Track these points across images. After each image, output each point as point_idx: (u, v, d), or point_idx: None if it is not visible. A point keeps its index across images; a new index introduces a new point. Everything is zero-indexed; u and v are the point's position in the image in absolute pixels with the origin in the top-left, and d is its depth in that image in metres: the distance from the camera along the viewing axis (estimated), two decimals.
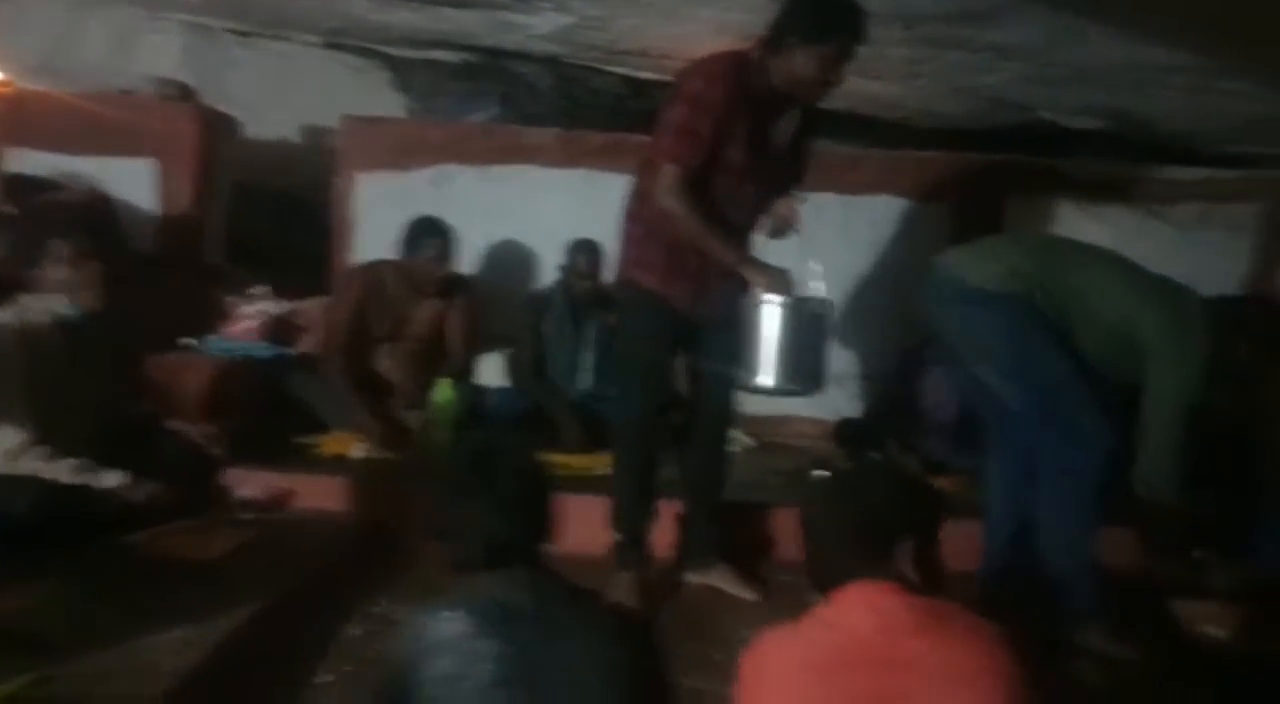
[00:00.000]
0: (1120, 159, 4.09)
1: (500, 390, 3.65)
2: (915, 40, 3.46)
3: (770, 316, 2.25)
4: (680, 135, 2.36)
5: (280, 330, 3.83)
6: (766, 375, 2.27)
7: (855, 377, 4.06)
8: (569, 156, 3.99)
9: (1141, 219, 3.91)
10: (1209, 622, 2.58)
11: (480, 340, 3.68)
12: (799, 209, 2.49)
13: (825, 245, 3.98)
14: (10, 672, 1.67)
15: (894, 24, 3.29)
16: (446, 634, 1.20)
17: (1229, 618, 2.59)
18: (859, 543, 1.36)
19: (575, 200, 3.88)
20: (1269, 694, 2.22)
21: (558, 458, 3.35)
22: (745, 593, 2.63)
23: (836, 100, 4.26)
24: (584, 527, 2.71)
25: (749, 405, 3.35)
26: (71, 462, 2.36)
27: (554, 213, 3.90)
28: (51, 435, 2.35)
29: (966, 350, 2.62)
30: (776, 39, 2.34)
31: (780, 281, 2.29)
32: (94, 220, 3.55)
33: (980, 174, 4.08)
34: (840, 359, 4.06)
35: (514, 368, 3.71)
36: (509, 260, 3.99)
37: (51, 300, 2.41)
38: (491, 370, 3.80)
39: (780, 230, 2.52)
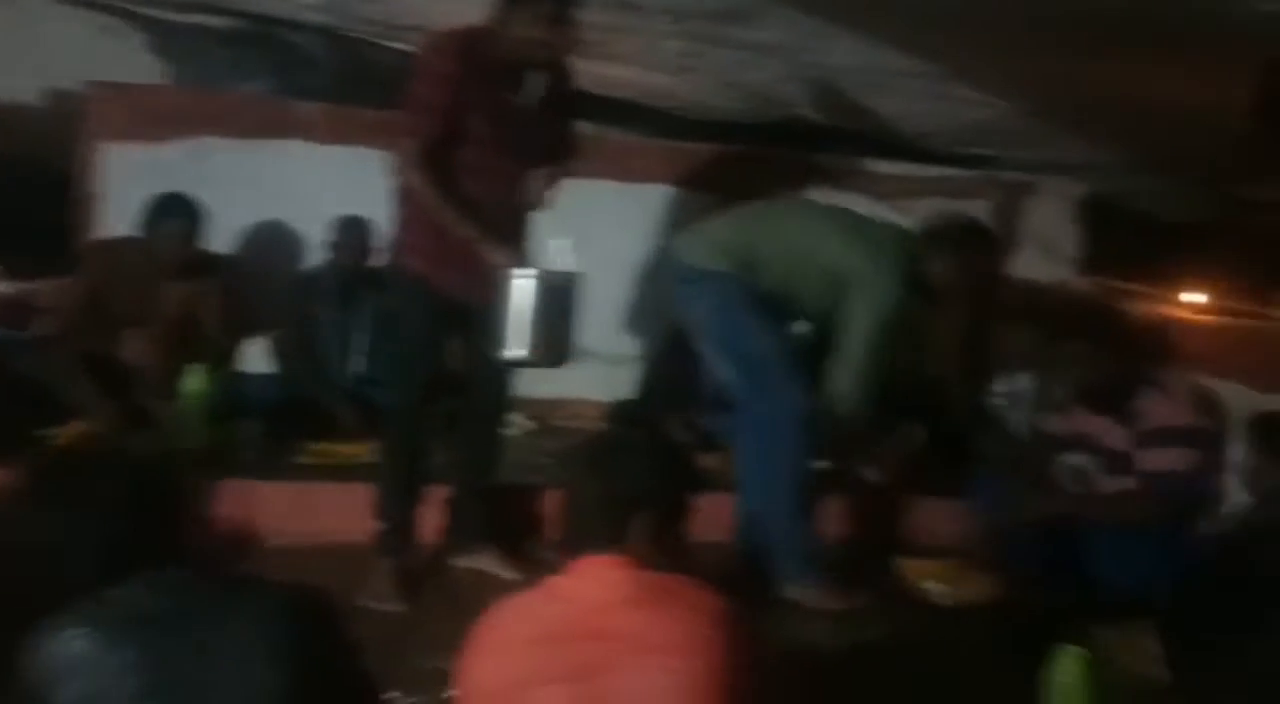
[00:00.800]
0: (870, 156, 4.41)
1: (261, 377, 3.49)
2: (685, 35, 3.58)
3: (517, 290, 2.29)
4: (415, 110, 2.38)
5: (13, 312, 3.50)
6: (514, 348, 2.32)
7: (634, 358, 4.17)
8: (338, 133, 3.86)
9: (887, 213, 4.23)
10: (929, 577, 2.85)
11: (242, 325, 3.50)
12: (550, 183, 2.54)
13: (603, 231, 4.14)
14: None
15: (663, 17, 3.40)
16: (74, 654, 1.08)
17: (949, 572, 2.88)
18: (599, 514, 1.40)
19: (344, 178, 3.74)
20: (982, 644, 2.48)
21: (325, 446, 3.26)
22: (510, 573, 2.66)
23: (618, 89, 4.42)
24: (347, 515, 2.68)
25: (527, 388, 3.40)
26: None
27: (321, 191, 3.74)
28: None
29: (689, 327, 2.81)
30: (498, 3, 2.38)
31: (512, 257, 2.33)
32: None
33: (746, 166, 4.29)
34: (619, 341, 4.18)
35: (279, 353, 3.56)
36: (273, 240, 3.81)
37: None
38: (257, 356, 3.62)
39: (532, 204, 2.57)
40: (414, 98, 2.40)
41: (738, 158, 4.31)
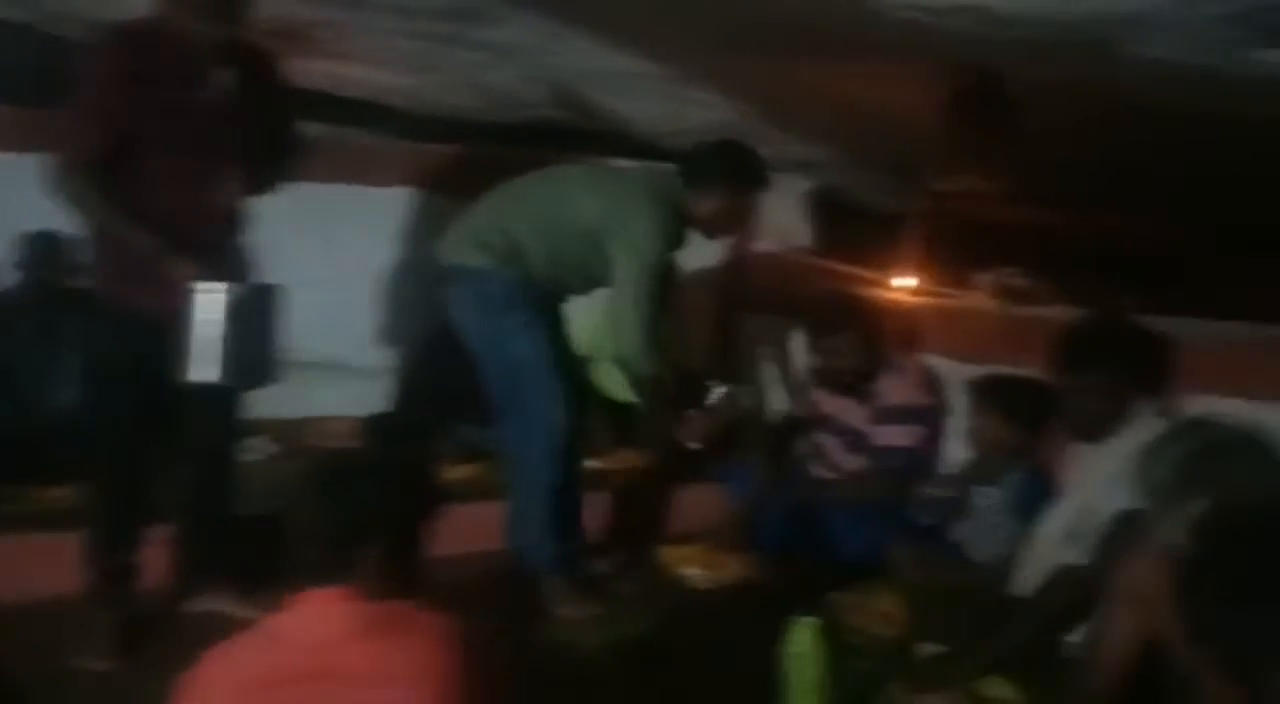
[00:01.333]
0: (614, 156, 4.49)
1: None
2: (419, 34, 3.48)
3: (202, 306, 2.11)
4: (74, 114, 2.16)
5: None
6: (201, 369, 2.12)
7: (387, 370, 4.02)
8: (24, 139, 3.41)
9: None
10: (687, 562, 2.94)
11: None
12: (257, 186, 2.35)
13: (345, 238, 3.96)
14: None
15: (392, 15, 3.28)
16: None
17: (705, 557, 2.98)
18: (324, 544, 1.31)
19: (32, 189, 3.31)
20: (736, 624, 2.58)
21: (34, 491, 2.90)
22: (251, 613, 2.47)
23: (355, 89, 4.23)
24: (61, 567, 2.38)
25: (272, 408, 3.17)
26: None
27: (4, 204, 3.30)
28: None
29: (459, 330, 2.68)
30: None
31: (197, 269, 2.13)
32: None
33: (493, 168, 4.23)
34: (371, 353, 4.01)
35: None
36: None
37: None
38: None
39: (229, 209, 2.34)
40: (75, 101, 2.16)
41: (482, 160, 4.25)
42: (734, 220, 2.75)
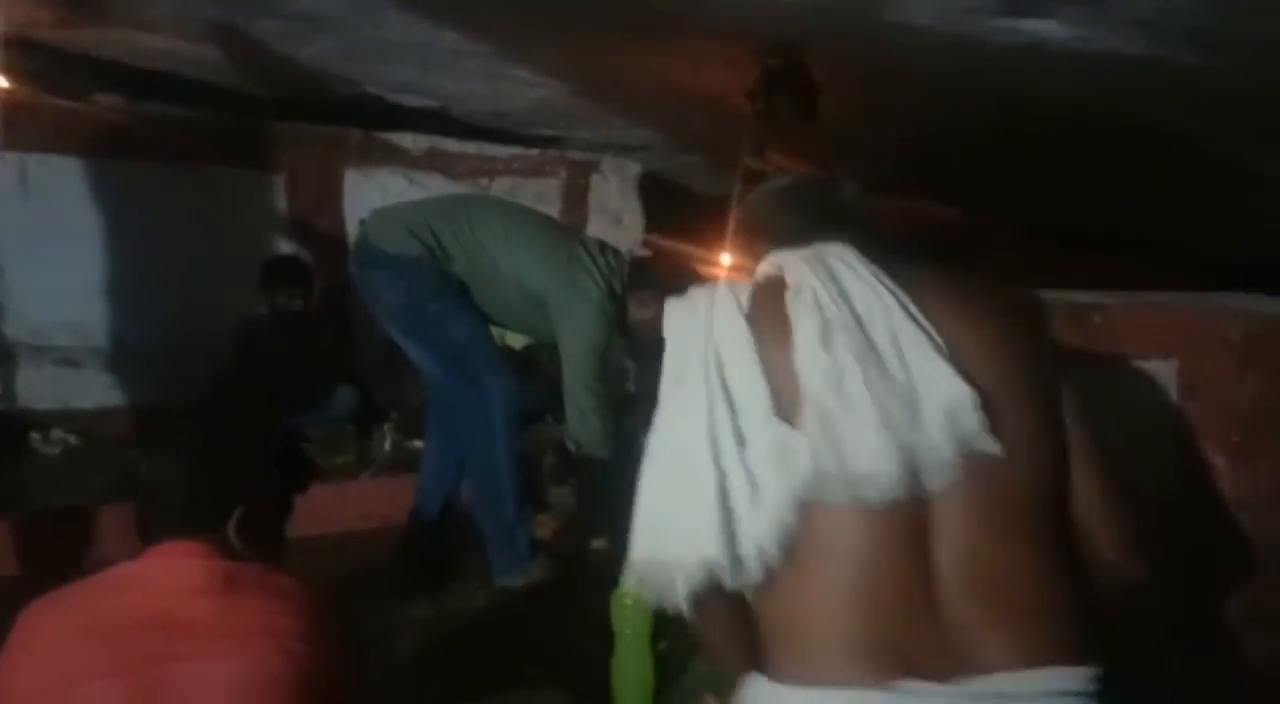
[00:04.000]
0: (448, 135, 4.45)
1: None
2: (226, 3, 3.33)
3: None
4: None
5: None
6: None
7: (191, 353, 3.80)
8: None
9: (466, 191, 4.29)
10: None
11: None
12: None
13: (151, 216, 3.75)
14: None
15: None
16: None
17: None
18: (190, 503, 1.28)
19: None
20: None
21: None
22: None
23: (156, 61, 3.99)
24: None
25: (74, 397, 2.98)
26: None
27: None
28: None
29: (375, 312, 2.67)
30: None
31: None
32: None
33: (314, 145, 4.12)
34: (168, 336, 3.78)
35: None
36: None
37: None
38: None
39: None
40: None
41: (302, 136, 4.13)
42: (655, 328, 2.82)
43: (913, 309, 1.00)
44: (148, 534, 1.28)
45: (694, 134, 4.29)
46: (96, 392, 3.62)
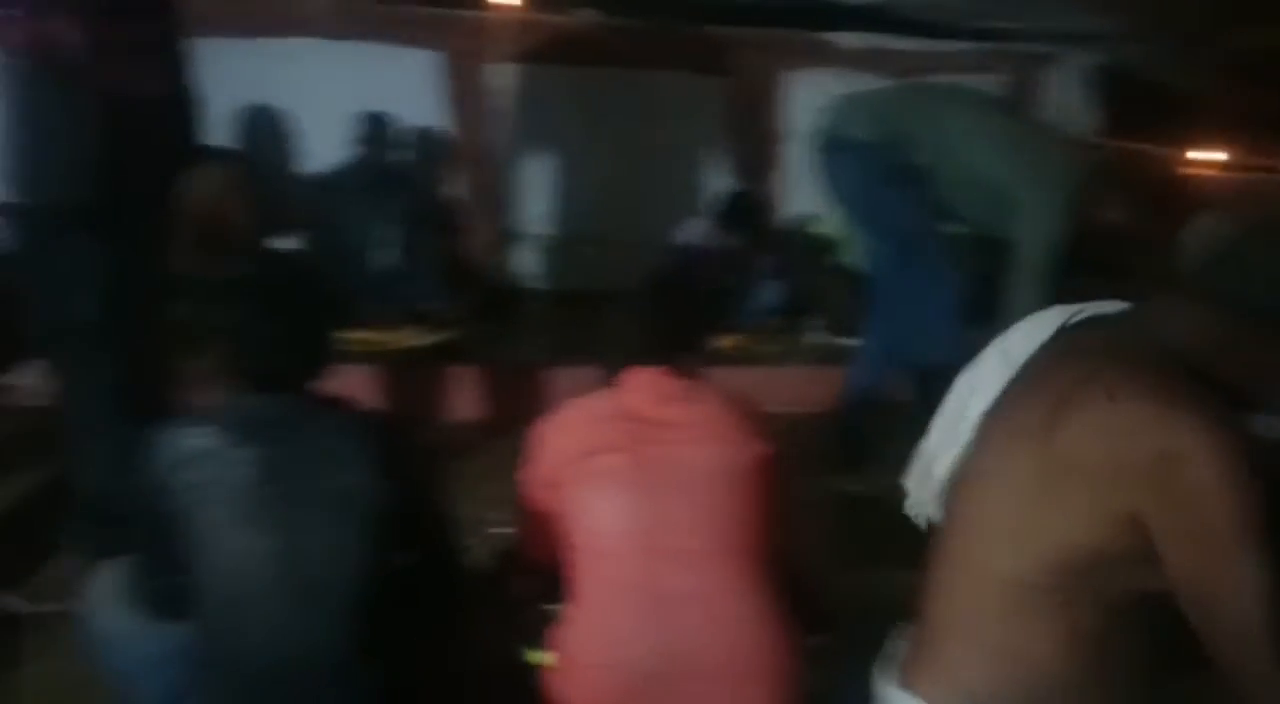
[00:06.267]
0: (883, 33, 4.38)
1: None
2: None
3: None
4: None
5: None
6: None
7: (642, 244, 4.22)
8: (350, 29, 3.88)
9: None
10: None
11: (265, 221, 3.60)
12: None
13: (611, 119, 4.19)
14: None
15: None
16: (196, 448, 1.30)
17: None
18: (655, 332, 1.58)
19: (361, 75, 3.80)
20: None
21: (358, 334, 3.40)
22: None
23: None
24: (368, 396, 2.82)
25: (551, 279, 3.42)
26: None
27: (340, 88, 3.79)
28: None
29: (834, 197, 2.74)
30: None
31: None
32: None
33: (754, 49, 4.29)
34: (626, 227, 4.22)
35: (311, 248, 3.67)
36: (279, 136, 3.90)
37: None
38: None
39: None
40: None
41: (743, 41, 4.31)
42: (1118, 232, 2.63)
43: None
44: (621, 363, 1.57)
45: (1162, 17, 3.77)
46: (570, 274, 4.22)
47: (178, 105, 2.13)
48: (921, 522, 1.23)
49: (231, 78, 3.63)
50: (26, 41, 1.84)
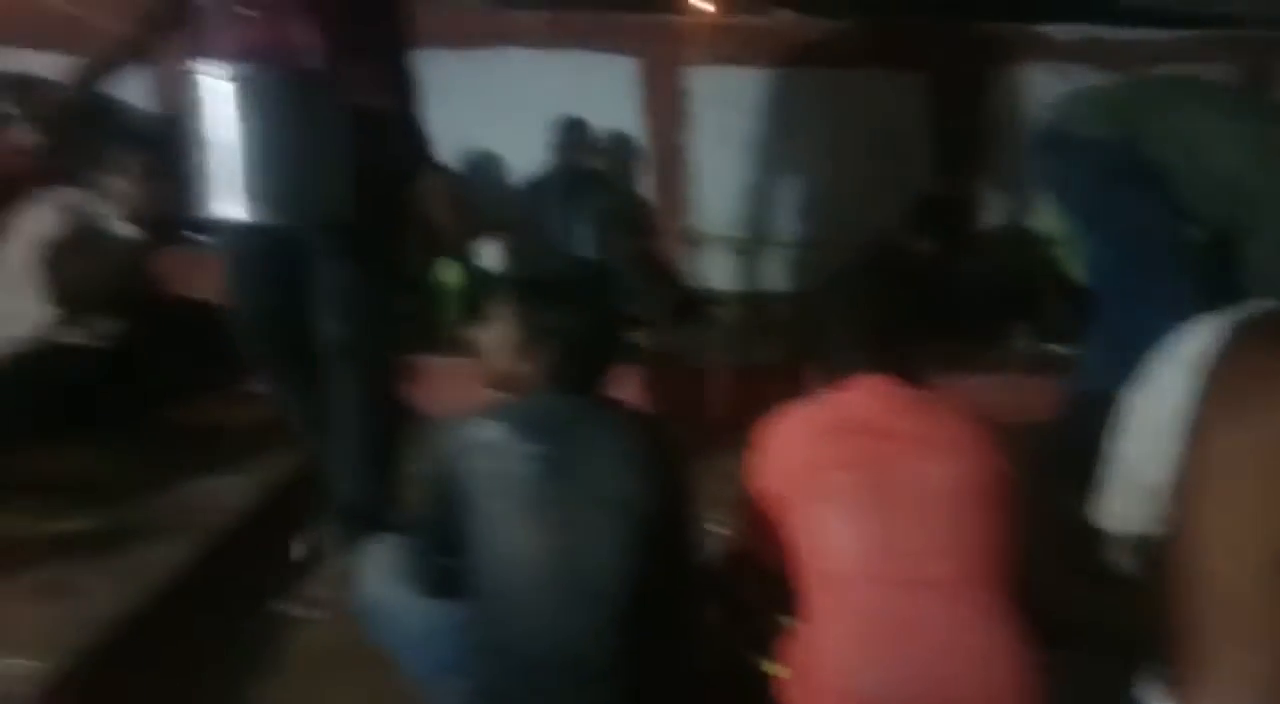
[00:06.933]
0: (1095, 22, 4.12)
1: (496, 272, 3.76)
2: None
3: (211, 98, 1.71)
4: None
5: None
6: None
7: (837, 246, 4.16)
8: (556, 38, 4.01)
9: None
10: None
11: (472, 223, 3.77)
12: None
13: (811, 121, 4.14)
14: (73, 514, 1.85)
15: None
16: (486, 438, 1.38)
17: None
18: (872, 336, 1.53)
19: (564, 82, 3.91)
20: None
21: None
22: None
23: None
24: None
25: (741, 281, 3.40)
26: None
27: (544, 96, 3.92)
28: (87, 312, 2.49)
29: (1056, 198, 2.60)
30: None
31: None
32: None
33: (961, 42, 4.12)
34: (823, 230, 4.18)
35: (513, 250, 3.82)
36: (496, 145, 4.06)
37: (107, 205, 2.55)
38: (490, 254, 3.91)
39: None
40: None
41: (949, 34, 4.15)
42: None
43: None
44: (837, 371, 1.52)
45: None
46: (761, 277, 4.20)
47: (406, 117, 2.11)
48: (1123, 535, 1.18)
49: (442, 88, 3.84)
50: (269, 46, 1.74)
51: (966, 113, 4.22)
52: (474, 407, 1.44)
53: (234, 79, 1.63)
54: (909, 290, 1.65)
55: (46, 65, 3.78)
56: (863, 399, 1.46)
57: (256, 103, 1.66)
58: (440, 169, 3.50)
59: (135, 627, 1.64)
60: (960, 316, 3.56)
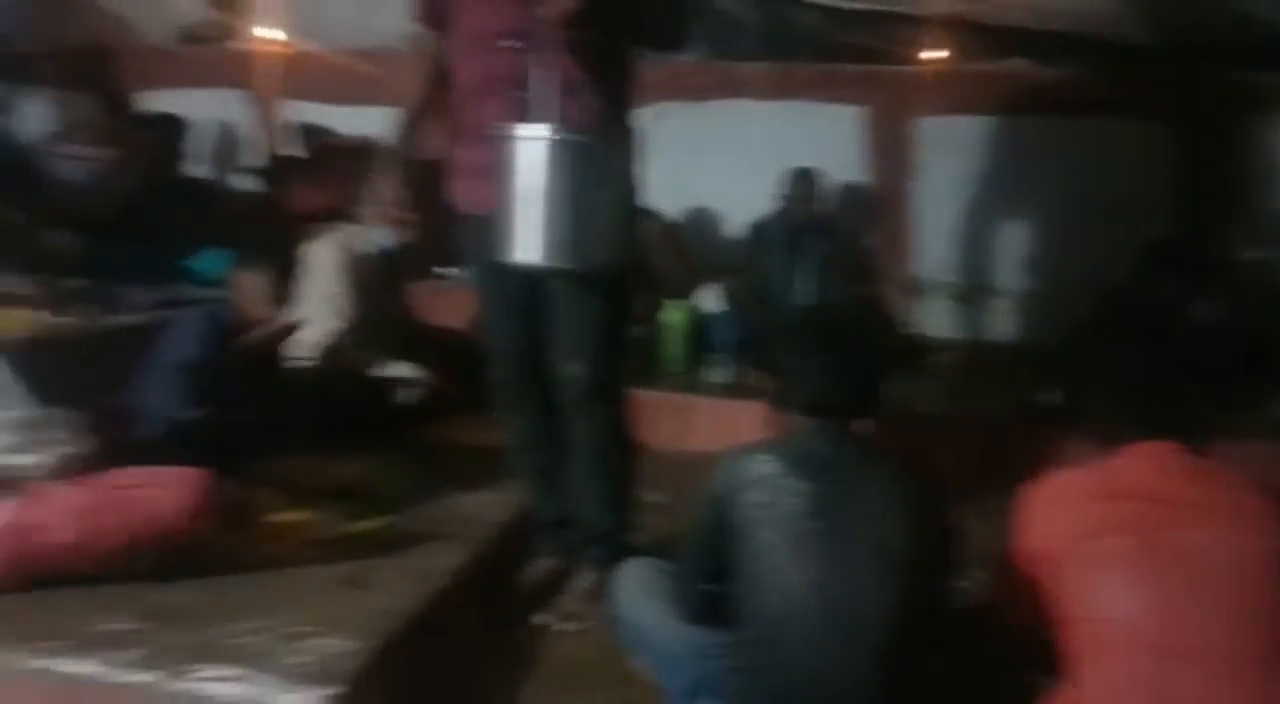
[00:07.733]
0: None
1: (720, 316, 3.84)
2: None
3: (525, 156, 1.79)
4: None
5: None
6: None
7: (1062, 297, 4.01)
8: (780, 89, 4.13)
9: None
10: None
11: (693, 268, 3.92)
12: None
13: (1040, 170, 4.04)
14: (362, 518, 2.11)
15: None
16: (759, 472, 1.45)
17: None
18: (1159, 403, 1.50)
19: (787, 132, 4.02)
20: None
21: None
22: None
23: (1044, 20, 4.20)
24: None
25: (957, 329, 3.36)
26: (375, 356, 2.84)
27: (767, 145, 4.04)
28: (363, 336, 2.80)
29: None
30: None
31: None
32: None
33: (1210, 92, 3.93)
34: (1047, 279, 4.05)
35: (735, 294, 3.91)
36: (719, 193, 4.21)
37: (373, 231, 2.83)
38: (713, 298, 4.02)
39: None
40: None
41: (1193, 83, 3.97)
42: None
43: None
44: (1115, 437, 1.47)
45: None
46: (978, 325, 4.13)
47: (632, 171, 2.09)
48: None
49: (669, 139, 4.01)
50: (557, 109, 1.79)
51: (1209, 164, 4.01)
52: (736, 442, 1.52)
53: (548, 140, 1.76)
54: (1178, 349, 1.64)
55: (327, 115, 4.34)
56: (1140, 466, 1.44)
57: (565, 160, 1.77)
58: (656, 215, 3.69)
59: (425, 621, 1.82)
60: (1219, 377, 3.36)
